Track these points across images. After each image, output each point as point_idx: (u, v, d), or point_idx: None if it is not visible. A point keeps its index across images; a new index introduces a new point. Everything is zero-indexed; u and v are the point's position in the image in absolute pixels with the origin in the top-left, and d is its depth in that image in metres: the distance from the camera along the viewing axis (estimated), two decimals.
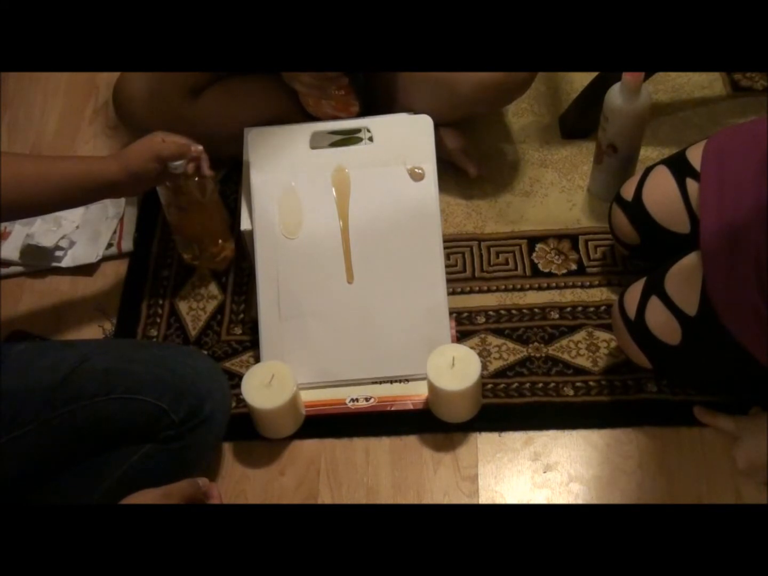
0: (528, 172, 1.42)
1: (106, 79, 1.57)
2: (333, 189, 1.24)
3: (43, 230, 1.38)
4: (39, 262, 1.37)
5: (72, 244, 1.39)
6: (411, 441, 1.17)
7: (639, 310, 1.07)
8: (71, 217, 1.40)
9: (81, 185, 1.12)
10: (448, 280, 1.24)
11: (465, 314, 1.27)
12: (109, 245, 1.40)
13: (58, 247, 1.37)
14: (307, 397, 1.19)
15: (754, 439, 1.06)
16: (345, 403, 1.19)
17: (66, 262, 1.38)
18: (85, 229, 1.40)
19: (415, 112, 1.31)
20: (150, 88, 1.33)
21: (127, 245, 1.39)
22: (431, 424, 1.17)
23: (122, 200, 1.44)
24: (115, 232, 1.41)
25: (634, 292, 1.09)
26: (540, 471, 1.13)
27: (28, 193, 1.08)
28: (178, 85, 1.33)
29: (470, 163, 1.38)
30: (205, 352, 1.25)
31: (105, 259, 1.38)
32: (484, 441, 1.16)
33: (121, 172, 1.14)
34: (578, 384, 1.19)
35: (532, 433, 1.16)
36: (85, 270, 1.37)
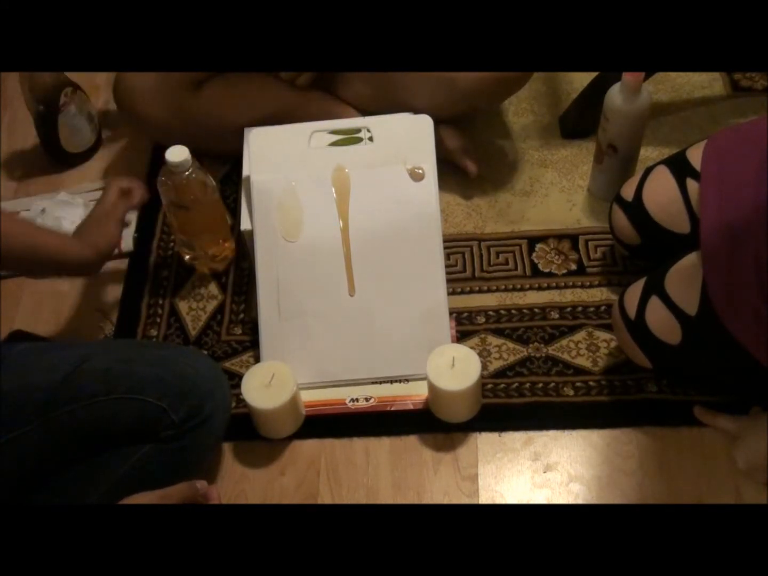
0: (528, 172, 1.42)
1: (106, 79, 1.57)
2: (333, 189, 1.24)
3: None
4: None
5: None
6: (411, 441, 1.17)
7: (639, 310, 1.07)
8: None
9: (53, 262, 1.14)
10: (448, 280, 1.24)
11: (465, 314, 1.27)
12: None
13: None
14: (307, 397, 1.19)
15: (754, 439, 1.06)
16: (345, 403, 1.19)
17: None
18: None
19: (415, 109, 1.31)
20: (151, 80, 1.33)
21: (127, 245, 1.39)
22: (431, 424, 1.17)
23: None
24: None
25: (634, 292, 1.10)
26: (540, 471, 1.13)
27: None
28: (179, 76, 1.33)
29: (470, 162, 1.38)
30: (205, 352, 1.25)
31: None
32: (484, 441, 1.16)
33: (93, 255, 1.16)
34: (578, 384, 1.19)
35: (532, 433, 1.16)
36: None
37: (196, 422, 1.04)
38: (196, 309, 1.31)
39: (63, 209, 1.41)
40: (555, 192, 1.40)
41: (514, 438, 1.16)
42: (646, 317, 1.06)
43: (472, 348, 1.18)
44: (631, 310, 1.08)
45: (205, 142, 1.32)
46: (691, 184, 1.12)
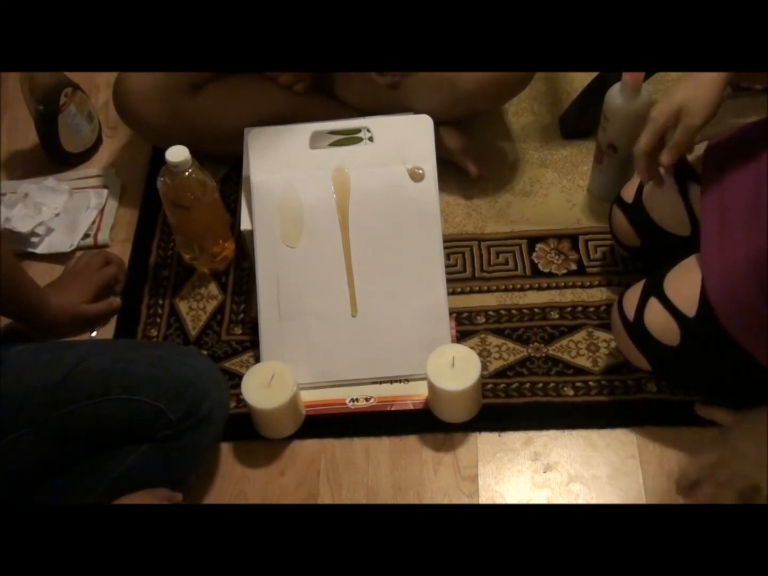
0: (528, 172, 1.42)
1: (106, 79, 1.57)
2: (333, 189, 1.24)
3: (21, 215, 1.38)
4: (14, 246, 1.38)
5: (49, 231, 1.39)
6: (411, 441, 1.17)
7: (638, 312, 1.07)
8: (52, 204, 1.41)
9: (29, 306, 1.19)
10: (448, 280, 1.24)
11: (465, 314, 1.27)
12: (86, 236, 1.40)
13: (33, 234, 1.38)
14: (307, 397, 1.19)
15: (745, 435, 1.05)
16: (345, 403, 1.19)
17: (41, 249, 1.38)
18: (65, 218, 1.41)
19: (416, 110, 1.31)
20: (150, 84, 1.33)
21: (104, 237, 1.40)
22: (431, 424, 1.17)
23: (104, 191, 1.45)
24: (93, 223, 1.42)
25: (633, 294, 1.09)
26: (540, 471, 1.13)
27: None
28: (178, 80, 1.33)
29: (471, 162, 1.38)
30: (205, 352, 1.25)
31: (79, 249, 1.39)
32: (484, 441, 1.16)
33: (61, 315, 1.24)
34: (578, 384, 1.19)
35: (532, 433, 1.16)
36: (60, 258, 1.38)
37: (193, 422, 1.04)
38: (196, 309, 1.31)
39: (46, 196, 1.41)
40: (555, 192, 1.40)
41: (514, 438, 1.16)
42: (645, 319, 1.06)
43: (472, 348, 1.18)
44: (630, 312, 1.08)
45: (203, 146, 1.31)
46: (692, 187, 1.12)
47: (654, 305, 1.05)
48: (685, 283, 1.03)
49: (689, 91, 1.03)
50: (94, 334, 1.29)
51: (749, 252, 0.97)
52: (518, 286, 1.29)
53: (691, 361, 1.06)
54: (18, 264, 1.18)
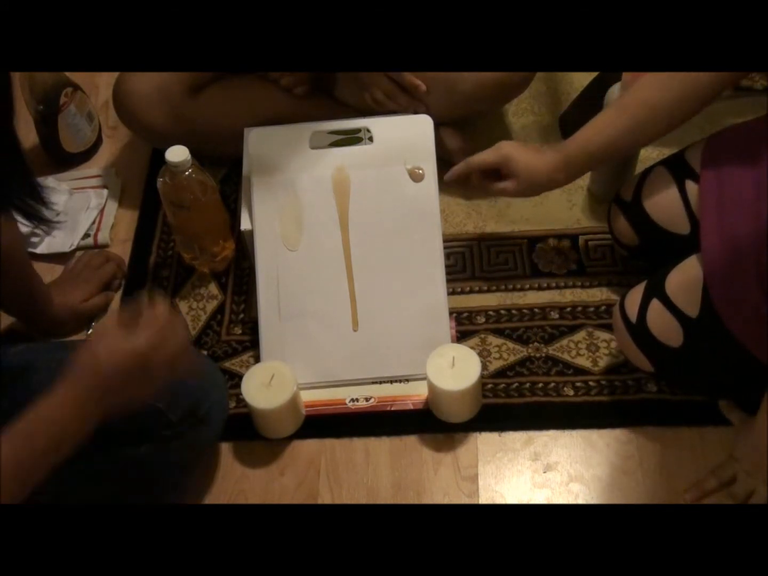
0: None
1: (106, 79, 1.57)
2: (333, 189, 1.24)
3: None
4: None
5: (50, 231, 1.39)
6: (411, 441, 1.17)
7: (640, 313, 1.07)
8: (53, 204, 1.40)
9: (35, 303, 1.21)
10: (448, 280, 1.24)
11: (465, 314, 1.27)
12: (86, 236, 1.40)
13: (33, 234, 1.38)
14: (307, 397, 1.19)
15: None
16: (345, 403, 1.19)
17: (41, 249, 1.38)
18: (65, 217, 1.41)
19: (416, 111, 1.31)
20: (151, 86, 1.33)
21: (104, 237, 1.40)
22: (431, 424, 1.17)
23: (104, 191, 1.45)
24: (93, 223, 1.42)
25: (635, 295, 1.09)
26: (540, 471, 1.13)
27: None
28: (179, 82, 1.33)
29: None
30: (205, 352, 1.25)
31: (79, 248, 1.39)
32: (484, 441, 1.16)
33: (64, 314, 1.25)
34: (578, 384, 1.19)
35: (532, 433, 1.16)
36: (60, 258, 1.38)
37: (193, 422, 1.04)
38: (196, 309, 1.31)
39: (47, 196, 1.40)
40: (555, 192, 1.39)
41: (514, 438, 1.16)
42: (648, 320, 1.06)
43: (472, 348, 1.18)
44: (632, 313, 1.08)
45: (203, 147, 1.31)
46: (690, 185, 1.12)
47: (656, 306, 1.05)
48: (686, 283, 1.03)
49: (535, 162, 1.13)
50: (90, 331, 1.29)
51: (751, 247, 0.97)
52: (518, 286, 1.29)
53: (694, 361, 1.06)
54: (28, 260, 1.18)
